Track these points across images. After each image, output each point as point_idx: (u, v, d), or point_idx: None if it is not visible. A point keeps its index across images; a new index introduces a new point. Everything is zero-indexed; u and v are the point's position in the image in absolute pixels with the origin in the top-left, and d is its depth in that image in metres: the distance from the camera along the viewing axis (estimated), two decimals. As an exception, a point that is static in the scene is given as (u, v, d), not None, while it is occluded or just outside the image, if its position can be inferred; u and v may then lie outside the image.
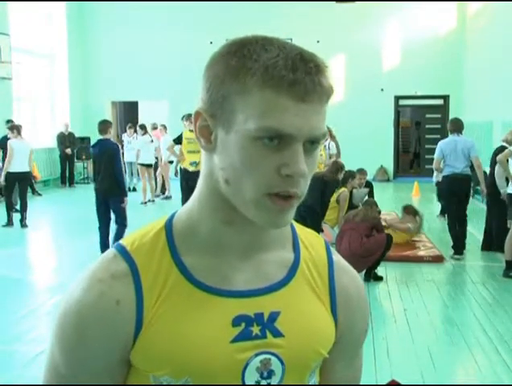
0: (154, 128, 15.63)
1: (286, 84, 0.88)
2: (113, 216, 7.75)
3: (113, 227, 7.72)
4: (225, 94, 0.91)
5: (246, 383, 0.98)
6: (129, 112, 20.15)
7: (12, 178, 10.38)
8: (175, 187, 12.71)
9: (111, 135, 8.01)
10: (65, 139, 17.01)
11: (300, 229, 1.10)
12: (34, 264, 8.56)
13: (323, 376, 1.12)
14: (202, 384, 0.97)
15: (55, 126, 17.76)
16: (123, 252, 0.99)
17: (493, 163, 7.98)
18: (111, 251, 1.01)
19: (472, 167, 8.18)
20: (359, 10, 17.95)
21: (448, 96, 18.29)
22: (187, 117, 10.23)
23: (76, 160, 17.55)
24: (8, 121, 13.30)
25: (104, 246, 7.44)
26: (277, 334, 0.99)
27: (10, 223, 10.49)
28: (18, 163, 10.30)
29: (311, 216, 7.10)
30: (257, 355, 0.98)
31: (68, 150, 16.91)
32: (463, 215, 8.27)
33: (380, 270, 7.14)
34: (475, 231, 9.93)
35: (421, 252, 8.31)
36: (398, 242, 8.19)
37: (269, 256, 1.02)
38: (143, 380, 0.99)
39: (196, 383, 0.96)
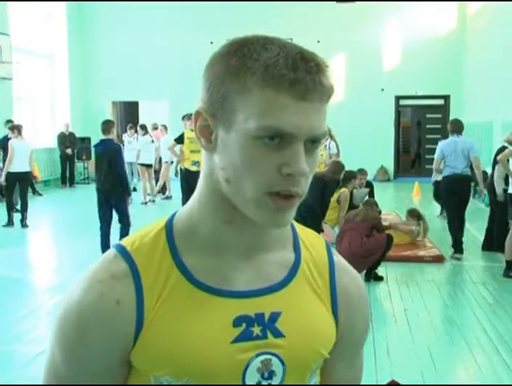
0: (155, 128, 15.63)
1: (286, 82, 0.87)
2: (115, 216, 7.76)
3: (114, 226, 7.72)
4: (225, 94, 0.91)
5: (247, 383, 0.98)
6: (129, 113, 20.16)
7: (13, 178, 10.38)
8: (175, 187, 12.71)
9: (114, 135, 8.06)
10: (65, 139, 17.01)
11: (301, 229, 1.10)
12: (34, 264, 8.56)
13: (323, 377, 1.12)
14: (203, 385, 0.96)
15: (56, 126, 17.76)
16: (123, 253, 0.99)
17: (495, 163, 8.01)
18: (111, 251, 1.01)
19: (471, 167, 8.21)
20: (359, 10, 17.95)
21: (449, 96, 18.29)
22: (189, 116, 10.22)
23: (76, 160, 17.56)
24: (8, 121, 13.30)
25: (104, 246, 7.45)
26: (278, 334, 0.99)
27: (10, 223, 10.49)
28: (18, 163, 10.31)
29: (311, 216, 7.10)
30: (258, 355, 0.98)
31: (69, 150, 16.91)
32: (462, 215, 8.29)
33: (380, 270, 7.14)
34: (475, 231, 9.93)
35: (421, 252, 8.31)
36: (399, 243, 8.18)
37: (269, 256, 1.02)
38: (144, 380, 0.99)
39: (197, 384, 0.96)
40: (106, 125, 7.86)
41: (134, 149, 14.10)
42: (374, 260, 6.88)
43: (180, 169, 10.87)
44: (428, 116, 19.61)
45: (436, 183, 11.24)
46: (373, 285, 6.81)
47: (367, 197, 9.26)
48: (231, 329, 0.97)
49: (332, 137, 11.54)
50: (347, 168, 9.00)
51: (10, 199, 10.64)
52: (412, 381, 4.17)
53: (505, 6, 13.04)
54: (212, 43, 15.67)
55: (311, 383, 1.06)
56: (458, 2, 17.88)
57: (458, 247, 8.23)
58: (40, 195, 15.02)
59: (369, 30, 18.07)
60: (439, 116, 18.74)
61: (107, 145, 7.70)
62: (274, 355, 0.99)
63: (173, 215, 1.04)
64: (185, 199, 9.05)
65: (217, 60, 0.93)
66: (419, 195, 14.46)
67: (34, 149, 11.18)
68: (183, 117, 11.42)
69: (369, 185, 10.02)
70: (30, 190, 12.44)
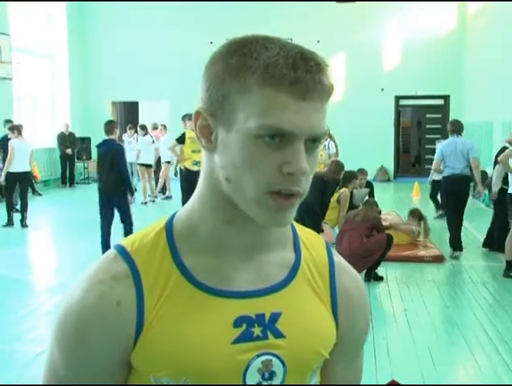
0: (155, 128, 15.63)
1: (286, 82, 0.88)
2: (117, 215, 7.78)
3: (114, 226, 7.73)
4: (225, 93, 0.91)
5: (248, 384, 0.97)
6: (129, 113, 20.16)
7: (13, 178, 10.38)
8: (175, 187, 12.71)
9: (116, 136, 8.12)
10: (65, 139, 17.02)
11: (301, 229, 1.10)
12: (34, 264, 8.56)
13: (324, 377, 1.12)
14: (203, 385, 0.96)
15: (56, 126, 17.76)
16: (123, 253, 0.99)
17: (496, 164, 8.04)
18: (111, 252, 1.01)
19: (471, 168, 8.25)
20: (359, 10, 17.95)
21: (449, 96, 18.29)
22: (190, 116, 10.22)
23: (76, 160, 17.56)
24: (7, 121, 13.28)
25: (105, 246, 7.46)
26: (278, 335, 0.99)
27: (10, 223, 10.49)
28: (18, 163, 10.31)
29: (311, 216, 7.10)
30: (258, 356, 0.98)
31: (69, 150, 16.92)
32: (461, 215, 8.34)
33: (380, 270, 7.14)
34: (475, 230, 9.94)
35: (421, 252, 8.31)
36: (399, 243, 8.18)
37: (270, 256, 1.02)
38: (144, 381, 0.98)
39: (197, 384, 0.96)
40: (109, 126, 7.90)
41: (134, 149, 14.09)
42: (374, 260, 6.88)
43: (180, 169, 10.87)
44: (428, 116, 19.61)
45: (434, 183, 11.28)
46: (373, 285, 6.81)
47: (367, 197, 9.25)
48: (231, 329, 0.97)
49: (331, 137, 11.55)
50: (347, 168, 9.00)
51: (10, 199, 10.64)
52: (412, 381, 4.17)
53: (505, 6, 13.04)
54: (212, 43, 15.67)
55: (312, 384, 1.06)
56: (458, 1, 17.88)
57: (457, 245, 8.25)
58: (40, 195, 15.02)
59: (369, 30, 18.07)
60: (439, 116, 18.74)
61: (110, 145, 7.75)
62: (274, 355, 0.99)
63: (173, 216, 1.04)
64: (185, 198, 9.05)
65: (217, 60, 0.93)
66: (418, 195, 14.46)
67: (34, 149, 11.18)
68: (183, 117, 11.41)
69: (369, 185, 10.02)
70: (30, 190, 12.44)
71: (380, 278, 7.04)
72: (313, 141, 0.92)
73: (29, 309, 6.07)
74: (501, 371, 4.53)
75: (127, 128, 15.43)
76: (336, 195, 8.67)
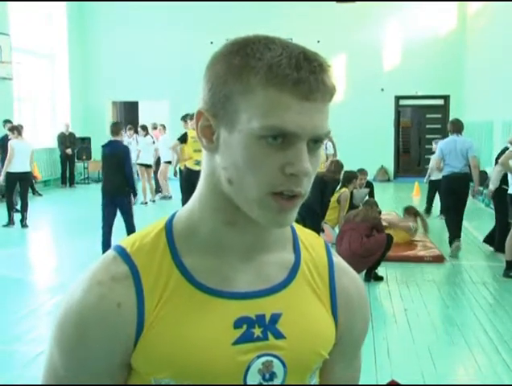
0: (155, 128, 15.63)
1: (290, 82, 0.87)
2: (118, 216, 7.80)
3: (116, 226, 7.74)
4: (227, 94, 0.91)
5: (248, 385, 0.97)
6: (129, 113, 20.17)
7: (13, 178, 10.39)
8: (175, 187, 12.71)
9: (122, 137, 8.18)
10: (66, 139, 17.02)
11: (300, 230, 1.10)
12: (34, 265, 8.56)
13: (322, 377, 1.12)
14: (204, 385, 0.96)
15: (56, 126, 17.77)
16: (123, 254, 0.99)
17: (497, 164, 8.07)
18: (111, 252, 1.00)
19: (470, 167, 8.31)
20: (359, 10, 17.95)
21: (449, 97, 18.29)
22: (191, 116, 10.22)
23: (76, 160, 17.57)
24: (6, 121, 13.27)
25: (106, 246, 7.46)
26: (278, 335, 0.99)
27: (11, 222, 10.50)
28: (18, 163, 10.31)
29: (311, 216, 7.10)
30: (259, 357, 0.98)
31: (69, 150, 16.92)
32: (461, 214, 8.38)
33: (380, 270, 7.14)
34: (475, 230, 9.94)
35: (421, 252, 8.31)
36: (399, 242, 8.19)
37: (270, 257, 1.02)
38: (144, 381, 0.98)
39: (198, 385, 0.96)
40: (115, 127, 7.99)
41: (133, 150, 14.07)
42: (374, 260, 6.88)
43: (180, 169, 10.86)
44: (428, 116, 19.61)
45: (431, 183, 11.30)
46: (373, 285, 6.81)
47: (367, 197, 9.26)
48: (232, 330, 0.97)
49: (329, 137, 11.56)
50: (347, 168, 9.01)
51: (11, 199, 10.65)
52: (412, 381, 4.17)
53: (505, 6, 13.04)
54: (212, 43, 15.68)
55: (311, 384, 1.06)
56: (458, 1, 17.88)
57: (456, 235, 8.29)
58: (40, 195, 15.02)
59: (369, 30, 18.07)
60: (439, 116, 18.74)
61: (115, 146, 7.81)
62: (275, 356, 0.98)
63: (173, 216, 1.03)
64: (186, 198, 9.04)
65: (219, 60, 0.93)
66: (419, 194, 14.46)
67: (34, 149, 11.18)
68: (183, 117, 11.42)
69: (369, 185, 10.03)
70: (30, 190, 12.44)
71: (380, 278, 7.04)
72: (315, 142, 0.92)
73: (29, 309, 6.07)
74: (501, 371, 4.53)
75: (127, 129, 15.43)
76: (336, 195, 8.68)
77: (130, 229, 7.63)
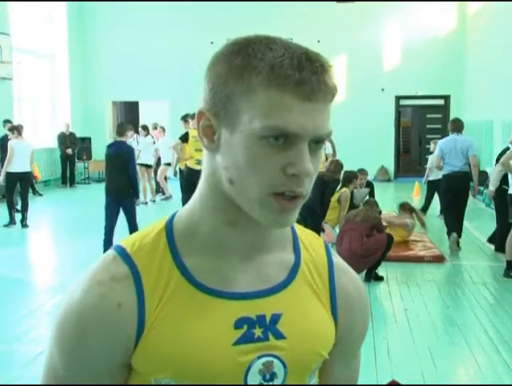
0: (155, 127, 15.63)
1: (292, 83, 0.87)
2: (122, 215, 7.82)
3: (117, 226, 7.75)
4: (228, 94, 0.91)
5: (249, 385, 0.98)
6: (129, 113, 20.17)
7: (13, 178, 10.39)
8: (175, 187, 12.71)
9: (128, 138, 8.22)
10: (66, 139, 17.02)
11: (300, 230, 1.10)
12: (34, 264, 8.56)
13: (322, 377, 1.12)
14: (204, 385, 0.96)
15: (56, 126, 17.77)
16: (123, 254, 0.98)
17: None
18: (111, 252, 1.00)
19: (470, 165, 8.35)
20: (359, 10, 17.95)
21: (449, 96, 18.29)
22: (192, 116, 10.23)
23: (76, 160, 17.58)
24: (6, 121, 13.27)
25: (108, 245, 7.47)
26: (279, 336, 0.99)
27: (12, 222, 10.52)
28: (18, 163, 10.32)
29: (312, 216, 7.11)
30: (259, 357, 0.98)
31: (69, 150, 16.92)
32: (462, 213, 8.40)
33: (380, 270, 7.14)
34: (475, 231, 9.94)
35: (421, 252, 8.31)
36: (398, 240, 8.18)
37: (270, 257, 1.02)
38: (144, 381, 0.98)
39: (198, 385, 0.96)
40: (121, 128, 8.05)
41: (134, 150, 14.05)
42: (375, 260, 6.88)
43: (180, 169, 10.86)
44: (428, 116, 19.60)
45: (429, 184, 11.32)
46: (373, 285, 6.81)
47: (367, 197, 9.26)
48: (232, 331, 0.97)
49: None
50: (347, 168, 9.01)
51: (11, 199, 10.65)
52: (412, 381, 4.17)
53: (505, 6, 13.04)
54: (212, 43, 15.68)
55: (311, 384, 1.06)
56: (458, 1, 17.88)
57: (453, 231, 8.35)
58: (40, 195, 15.03)
59: (369, 30, 18.07)
60: (440, 116, 18.74)
61: (120, 146, 7.86)
62: (275, 356, 0.99)
63: (173, 216, 1.03)
64: (186, 198, 9.02)
65: (220, 60, 0.93)
66: (419, 194, 14.46)
67: (34, 149, 11.18)
68: (183, 117, 11.43)
69: (369, 185, 10.03)
70: (30, 190, 12.44)
71: (380, 278, 7.04)
72: (317, 143, 0.91)
73: (29, 309, 6.07)
74: (501, 371, 4.53)
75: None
76: (336, 195, 8.68)
77: (133, 229, 7.66)
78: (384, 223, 7.99)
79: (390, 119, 18.52)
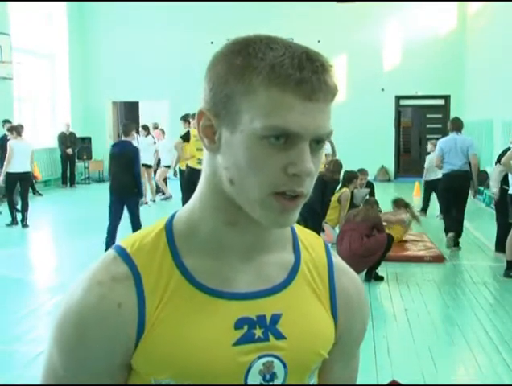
0: (156, 127, 15.63)
1: (292, 82, 0.87)
2: (125, 214, 7.83)
3: (123, 225, 7.76)
4: (229, 94, 0.91)
5: (249, 385, 0.97)
6: (129, 112, 20.16)
7: (13, 178, 10.40)
8: (175, 187, 12.71)
9: (133, 137, 8.23)
10: (66, 139, 17.03)
11: (300, 230, 1.09)
12: (34, 264, 8.57)
13: (321, 377, 1.12)
14: (204, 385, 0.96)
15: (56, 126, 17.77)
16: (123, 255, 0.98)
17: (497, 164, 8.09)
18: (111, 252, 1.00)
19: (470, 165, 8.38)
20: (359, 10, 17.95)
21: (449, 96, 18.29)
22: (193, 116, 10.23)
23: (77, 160, 17.59)
24: (5, 121, 13.26)
25: (110, 243, 7.49)
26: (279, 336, 0.99)
27: (14, 222, 10.54)
28: (18, 163, 10.32)
29: (312, 216, 7.11)
30: (259, 357, 0.98)
31: (69, 150, 16.93)
32: (462, 212, 8.41)
33: (380, 270, 7.14)
34: (475, 231, 9.94)
35: (421, 252, 8.31)
36: (398, 237, 8.15)
37: (270, 257, 1.02)
38: (144, 381, 0.98)
39: (198, 385, 0.96)
40: (127, 127, 8.07)
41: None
42: (375, 259, 6.88)
43: (180, 169, 10.86)
44: (428, 116, 19.61)
45: (427, 184, 11.34)
46: (373, 285, 6.81)
47: (368, 197, 9.25)
48: (233, 331, 0.97)
49: None
50: (348, 168, 9.01)
51: (12, 199, 10.66)
52: (413, 381, 4.17)
53: (505, 6, 13.04)
54: (212, 43, 15.67)
55: (311, 384, 1.06)
56: (458, 1, 17.88)
57: (450, 230, 8.39)
58: (41, 195, 15.03)
59: (369, 30, 18.07)
60: (440, 116, 18.74)
61: (125, 146, 7.88)
62: (275, 357, 0.98)
63: (173, 215, 1.03)
64: (186, 198, 9.02)
65: (220, 60, 0.93)
66: (419, 194, 14.44)
67: (34, 149, 11.18)
68: (182, 117, 11.43)
69: (369, 185, 10.03)
70: (30, 190, 12.45)
71: (380, 278, 7.04)
72: (317, 142, 0.91)
73: (29, 309, 6.07)
74: (501, 371, 4.53)
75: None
76: (336, 195, 8.68)
77: (137, 229, 7.65)
78: (384, 223, 7.99)
79: (390, 119, 18.53)
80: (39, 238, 10.46)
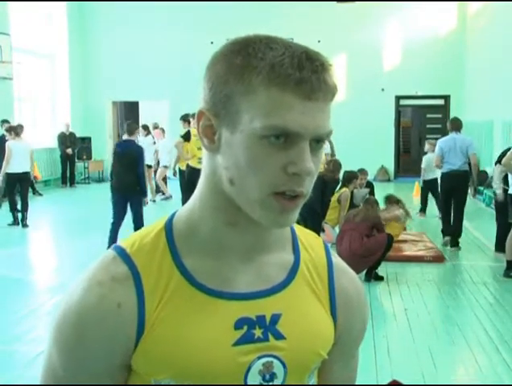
0: (156, 127, 15.63)
1: (292, 82, 0.87)
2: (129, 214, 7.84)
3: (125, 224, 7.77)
4: (228, 94, 0.91)
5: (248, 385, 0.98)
6: (129, 112, 20.16)
7: (12, 178, 10.40)
8: (174, 187, 12.71)
9: (137, 137, 8.24)
10: (66, 139, 17.03)
11: (300, 230, 1.09)
12: (34, 264, 8.57)
13: (320, 377, 1.12)
14: (204, 385, 0.96)
15: (56, 126, 17.77)
16: (123, 255, 0.98)
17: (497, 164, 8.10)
18: (110, 252, 1.00)
19: (469, 165, 8.41)
20: (359, 10, 17.95)
21: (449, 96, 18.29)
22: (193, 116, 10.23)
23: (76, 160, 17.59)
24: (3, 121, 13.25)
25: (113, 242, 7.49)
26: (279, 336, 0.99)
27: (15, 222, 10.54)
28: (17, 164, 10.33)
29: (312, 216, 7.11)
30: (259, 358, 0.98)
31: (69, 150, 16.93)
32: (461, 211, 8.43)
33: (380, 270, 7.14)
34: (475, 231, 9.94)
35: (421, 252, 8.31)
36: (396, 234, 8.13)
37: (269, 257, 1.02)
38: (144, 381, 0.98)
39: (198, 385, 0.96)
40: (131, 127, 8.12)
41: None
42: (375, 259, 6.88)
43: (179, 169, 10.86)
44: (428, 116, 19.60)
45: (424, 183, 11.34)
46: (373, 284, 6.82)
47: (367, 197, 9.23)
48: (232, 331, 0.97)
49: None
50: (347, 168, 9.00)
51: (12, 199, 10.66)
52: (413, 381, 4.17)
53: (505, 6, 13.04)
54: (212, 43, 15.67)
55: (310, 384, 1.06)
56: (458, 1, 17.88)
57: (447, 234, 8.42)
58: (40, 194, 15.02)
59: (369, 30, 18.07)
60: (440, 116, 18.74)
61: (130, 145, 7.92)
62: (275, 357, 0.98)
63: (173, 215, 1.03)
64: (186, 198, 9.02)
65: (219, 60, 0.93)
66: (419, 194, 14.44)
67: (34, 149, 11.18)
68: (182, 117, 11.42)
69: (369, 185, 10.02)
70: (30, 190, 12.45)
71: (380, 278, 7.04)
72: (317, 142, 0.91)
73: (29, 309, 6.07)
74: (501, 371, 4.53)
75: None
76: (336, 195, 8.68)
77: (138, 228, 7.66)
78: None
79: (390, 119, 18.52)
80: (39, 238, 10.46)
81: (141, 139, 14.09)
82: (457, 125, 8.60)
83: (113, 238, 7.58)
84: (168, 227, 1.01)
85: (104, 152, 18.54)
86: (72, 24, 18.57)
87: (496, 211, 8.38)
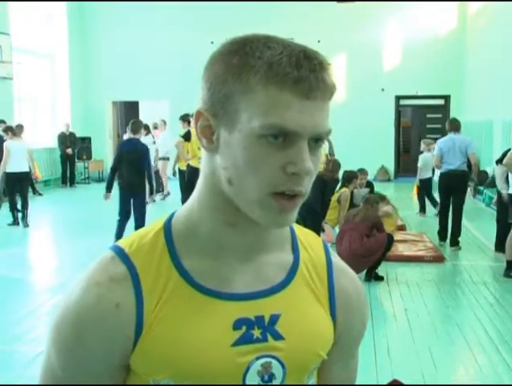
0: (156, 127, 15.64)
1: (290, 81, 0.87)
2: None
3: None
4: (227, 93, 0.90)
5: (247, 386, 0.97)
6: (129, 112, 20.14)
7: (12, 178, 10.41)
8: (174, 187, 12.70)
9: (141, 135, 8.27)
10: (66, 139, 17.04)
11: (299, 230, 1.09)
12: (34, 264, 8.56)
13: (320, 377, 1.11)
14: (203, 385, 0.96)
15: (56, 126, 17.77)
16: (121, 255, 0.98)
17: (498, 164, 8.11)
18: (109, 253, 1.00)
19: (469, 165, 8.43)
20: (359, 10, 17.95)
21: (449, 96, 18.29)
22: (193, 115, 10.23)
23: (76, 160, 17.60)
24: (0, 122, 13.23)
25: (119, 238, 7.51)
26: (278, 337, 0.99)
27: (16, 222, 10.54)
28: (15, 164, 10.34)
29: (312, 216, 7.10)
30: (258, 358, 0.97)
31: (69, 150, 16.94)
32: (460, 211, 8.45)
33: (380, 270, 7.14)
34: (474, 230, 9.93)
35: (421, 252, 8.31)
36: (392, 229, 8.11)
37: (269, 257, 1.02)
38: (143, 381, 0.98)
39: (197, 385, 0.96)
40: (135, 125, 8.12)
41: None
42: (375, 259, 6.88)
43: (179, 169, 10.85)
44: (428, 116, 19.59)
45: (421, 183, 11.36)
46: (373, 284, 6.81)
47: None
48: (231, 332, 0.96)
49: None
50: (347, 168, 9.00)
51: (12, 199, 10.66)
52: (413, 381, 4.17)
53: (505, 6, 13.04)
54: (212, 42, 15.65)
55: (309, 384, 1.06)
56: (458, 1, 17.88)
57: (442, 236, 8.52)
58: (41, 194, 15.02)
59: (369, 30, 18.06)
60: (440, 116, 18.73)
61: (135, 144, 7.94)
62: (274, 357, 0.98)
63: (172, 215, 1.03)
64: (186, 198, 9.03)
65: (217, 60, 0.93)
66: (418, 194, 14.44)
67: (34, 148, 11.19)
68: (181, 117, 11.42)
69: (369, 185, 10.02)
70: (30, 189, 12.45)
71: (380, 278, 7.04)
72: (316, 141, 0.91)
73: (29, 309, 6.07)
74: (501, 371, 4.53)
75: (127, 128, 15.40)
76: (336, 195, 8.68)
77: (139, 227, 7.68)
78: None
79: (390, 119, 18.52)
80: (39, 238, 10.46)
81: (141, 139, 14.11)
82: (456, 126, 8.65)
83: (119, 233, 7.61)
84: (167, 227, 1.00)
85: (104, 152, 18.55)
86: (72, 24, 18.57)
87: (497, 210, 8.39)
